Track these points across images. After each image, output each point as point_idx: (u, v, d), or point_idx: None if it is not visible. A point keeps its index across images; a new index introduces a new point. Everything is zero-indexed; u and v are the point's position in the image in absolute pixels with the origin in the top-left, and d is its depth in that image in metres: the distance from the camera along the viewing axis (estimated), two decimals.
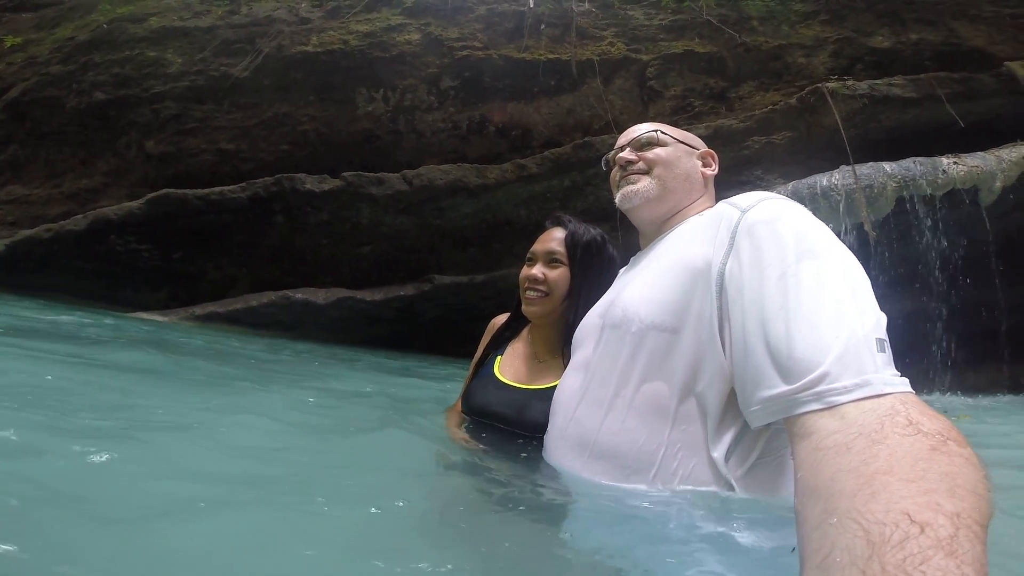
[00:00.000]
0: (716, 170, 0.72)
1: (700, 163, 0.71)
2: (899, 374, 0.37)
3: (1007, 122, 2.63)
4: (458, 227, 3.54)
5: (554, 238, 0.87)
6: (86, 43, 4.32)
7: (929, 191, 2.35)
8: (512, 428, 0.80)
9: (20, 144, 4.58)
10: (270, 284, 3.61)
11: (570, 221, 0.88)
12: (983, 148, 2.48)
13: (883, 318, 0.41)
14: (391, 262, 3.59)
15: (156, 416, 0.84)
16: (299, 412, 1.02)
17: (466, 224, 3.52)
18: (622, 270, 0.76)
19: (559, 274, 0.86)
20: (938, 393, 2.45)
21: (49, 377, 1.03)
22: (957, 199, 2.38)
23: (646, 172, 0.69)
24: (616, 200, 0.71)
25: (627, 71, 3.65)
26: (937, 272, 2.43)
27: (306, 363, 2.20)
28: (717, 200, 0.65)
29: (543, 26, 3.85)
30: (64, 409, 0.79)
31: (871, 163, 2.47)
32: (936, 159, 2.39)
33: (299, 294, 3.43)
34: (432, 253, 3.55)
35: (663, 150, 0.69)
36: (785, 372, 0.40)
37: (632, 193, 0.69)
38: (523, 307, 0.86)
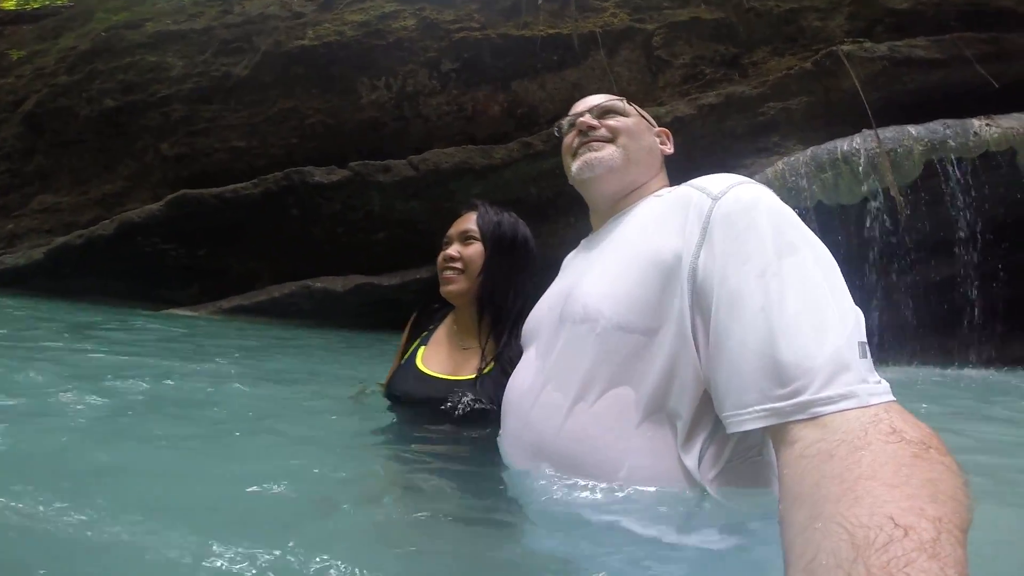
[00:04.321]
0: (671, 150, 0.63)
1: (657, 140, 0.62)
2: (880, 380, 0.34)
3: None
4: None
5: (467, 218, 0.83)
6: (88, 52, 4.02)
7: (959, 154, 2.01)
8: (431, 416, 0.75)
9: (43, 154, 4.36)
10: (291, 275, 3.43)
11: (483, 204, 0.84)
12: (1020, 110, 2.11)
13: (861, 317, 0.37)
14: (406, 246, 3.38)
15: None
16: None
17: None
18: (572, 254, 0.66)
19: (473, 250, 0.80)
20: (970, 367, 2.17)
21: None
22: (992, 162, 2.06)
23: (610, 140, 0.58)
24: (573, 169, 0.59)
25: (632, 42, 3.24)
26: (974, 237, 2.13)
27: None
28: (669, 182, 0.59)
29: (540, 1, 3.43)
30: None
31: (895, 126, 2.13)
32: (967, 121, 2.05)
33: (318, 283, 3.26)
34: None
35: (627, 120, 0.59)
36: (768, 379, 0.35)
37: (595, 161, 0.57)
38: (441, 288, 0.80)
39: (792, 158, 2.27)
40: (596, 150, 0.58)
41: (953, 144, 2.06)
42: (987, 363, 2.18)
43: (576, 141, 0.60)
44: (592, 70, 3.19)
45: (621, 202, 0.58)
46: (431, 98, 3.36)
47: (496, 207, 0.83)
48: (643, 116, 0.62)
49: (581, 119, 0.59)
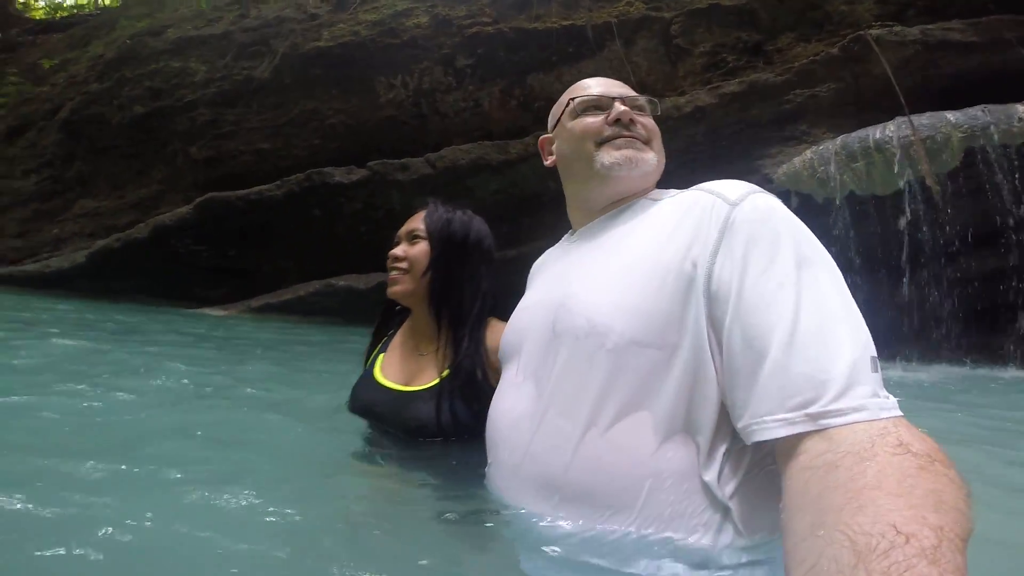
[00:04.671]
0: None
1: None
2: (889, 395, 0.34)
3: None
4: (487, 204, 3.30)
5: (417, 217, 0.79)
6: (116, 59, 4.14)
7: (1003, 140, 1.90)
8: (392, 429, 0.73)
9: (82, 160, 4.56)
10: (318, 274, 3.54)
11: (435, 202, 0.80)
12: None
13: (868, 333, 0.37)
14: None
15: None
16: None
17: (495, 200, 3.27)
18: (545, 258, 0.62)
19: (419, 249, 0.77)
20: (1006, 366, 2.06)
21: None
22: None
23: (647, 142, 0.54)
24: (605, 159, 0.52)
25: (649, 31, 3.15)
26: (1021, 227, 2.01)
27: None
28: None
29: None
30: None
31: (931, 112, 2.02)
32: (1010, 106, 1.92)
33: (342, 281, 3.35)
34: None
35: (652, 122, 0.55)
36: (783, 390, 0.35)
37: (639, 161, 0.52)
38: (388, 290, 0.77)
39: (821, 147, 2.19)
40: (641, 150, 0.52)
41: (995, 130, 1.94)
42: None
43: (612, 130, 0.53)
44: (609, 61, 3.13)
45: (614, 204, 0.54)
46: (447, 95, 3.36)
47: (451, 206, 0.78)
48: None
49: (624, 108, 0.53)
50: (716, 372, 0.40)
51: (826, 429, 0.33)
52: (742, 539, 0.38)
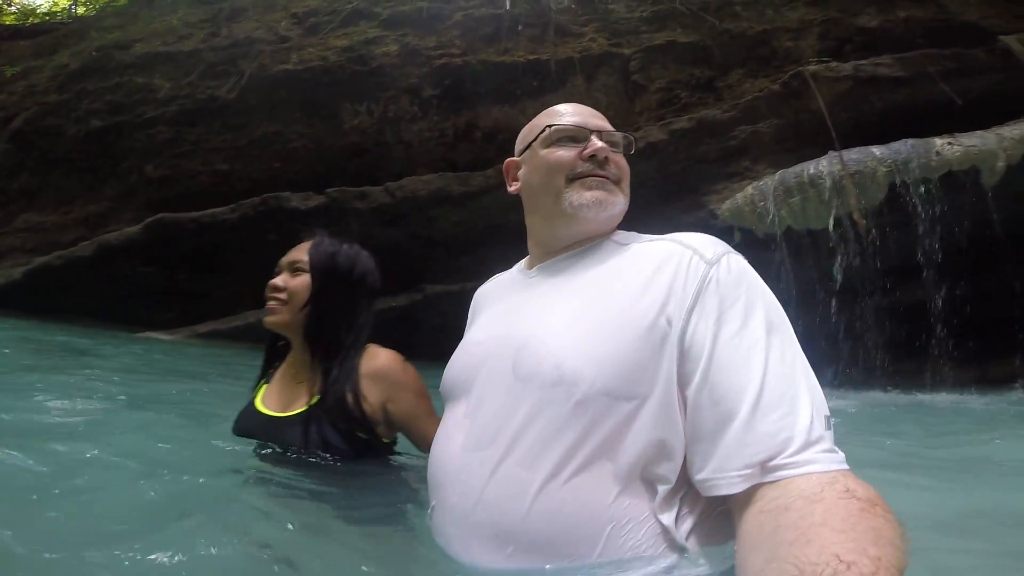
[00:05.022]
0: None
1: None
2: (837, 450, 0.40)
3: (1012, 99, 2.38)
4: (448, 236, 3.45)
5: (301, 248, 0.83)
6: (78, 71, 4.29)
7: (922, 174, 2.14)
8: (269, 451, 0.78)
9: (30, 172, 4.61)
10: None
11: (322, 234, 0.83)
12: (989, 127, 2.23)
13: (822, 392, 0.43)
14: (384, 274, 3.53)
15: None
16: None
17: (456, 232, 3.42)
18: (494, 289, 0.62)
19: (299, 282, 0.80)
20: (934, 391, 2.23)
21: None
22: (956, 182, 2.15)
23: (617, 183, 0.55)
24: (574, 199, 0.52)
25: (610, 66, 3.46)
26: (939, 259, 2.23)
27: None
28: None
29: (521, 27, 3.67)
30: None
31: (860, 147, 2.27)
32: (929, 140, 2.18)
33: None
34: (425, 263, 3.48)
35: (623, 161, 0.56)
36: (748, 447, 0.40)
37: (609, 204, 0.53)
38: (264, 319, 0.81)
39: (762, 182, 2.41)
40: (611, 192, 0.53)
41: (915, 164, 2.18)
42: (958, 386, 2.23)
43: (585, 167, 0.53)
44: (571, 95, 3.39)
45: (578, 243, 0.55)
46: (412, 124, 3.57)
47: (338, 239, 0.81)
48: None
49: (601, 145, 0.53)
50: (682, 429, 0.43)
51: (781, 480, 0.38)
52: (697, 572, 0.41)
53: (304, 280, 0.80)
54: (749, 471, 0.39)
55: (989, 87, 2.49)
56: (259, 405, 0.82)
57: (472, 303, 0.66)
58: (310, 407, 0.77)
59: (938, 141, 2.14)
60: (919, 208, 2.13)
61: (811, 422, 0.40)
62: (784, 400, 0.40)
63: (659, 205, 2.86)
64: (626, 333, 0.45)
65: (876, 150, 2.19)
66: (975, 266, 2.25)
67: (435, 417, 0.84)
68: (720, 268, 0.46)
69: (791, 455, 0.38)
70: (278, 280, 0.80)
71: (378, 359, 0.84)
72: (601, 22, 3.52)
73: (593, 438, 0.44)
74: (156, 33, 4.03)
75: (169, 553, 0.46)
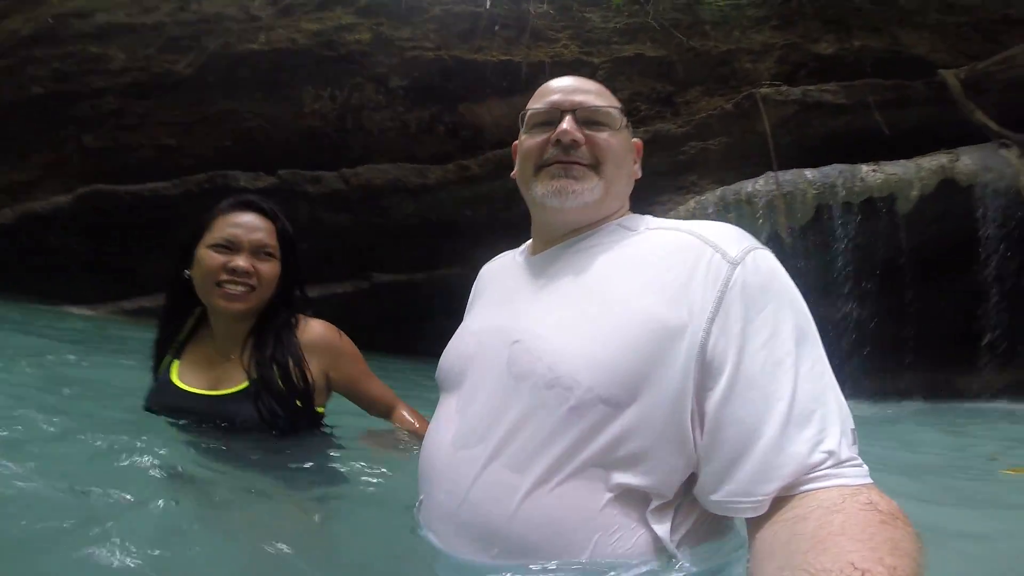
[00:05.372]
0: (640, 174, 0.63)
1: (635, 163, 0.63)
2: (862, 463, 0.44)
3: (944, 130, 2.78)
4: (400, 226, 3.68)
5: (259, 227, 0.87)
6: (29, 37, 4.56)
7: (846, 198, 2.49)
8: (212, 430, 0.85)
9: None
10: None
11: (270, 207, 0.89)
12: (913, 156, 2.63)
13: (847, 405, 0.46)
14: (329, 260, 3.71)
15: None
16: None
17: (409, 224, 3.65)
18: (497, 271, 0.67)
19: (271, 268, 0.85)
20: (862, 402, 2.67)
21: None
22: (874, 208, 2.55)
23: (594, 167, 0.56)
24: (538, 191, 0.56)
25: (578, 73, 3.77)
26: (856, 280, 2.56)
27: None
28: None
29: (498, 27, 4.05)
30: None
31: (796, 169, 2.62)
32: (857, 166, 2.60)
33: None
34: (373, 252, 3.67)
35: (616, 137, 0.57)
36: (778, 471, 0.42)
37: (572, 193, 0.55)
38: (218, 301, 0.84)
39: (704, 197, 2.73)
40: (577, 178, 0.54)
41: (841, 188, 2.59)
42: (875, 397, 2.66)
43: (551, 153, 0.55)
44: None
45: (579, 230, 0.57)
46: (375, 113, 3.90)
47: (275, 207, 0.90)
48: (629, 128, 0.59)
49: (565, 128, 0.54)
50: (695, 441, 0.45)
51: (801, 493, 0.41)
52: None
53: (275, 267, 0.86)
54: (773, 494, 0.42)
55: (923, 119, 2.90)
56: (178, 382, 0.87)
57: (475, 283, 0.71)
58: (254, 382, 0.85)
59: (864, 168, 2.56)
60: (839, 230, 2.46)
61: (839, 440, 0.42)
62: (814, 419, 0.42)
63: None
64: (629, 337, 0.46)
65: (809, 173, 2.60)
66: (884, 287, 2.59)
67: (374, 375, 0.97)
68: (746, 269, 0.47)
69: (818, 474, 0.41)
70: (246, 264, 0.84)
71: (314, 330, 0.92)
72: (576, 30, 3.95)
73: (587, 447, 0.46)
74: (121, 4, 4.35)
75: (114, 542, 0.50)
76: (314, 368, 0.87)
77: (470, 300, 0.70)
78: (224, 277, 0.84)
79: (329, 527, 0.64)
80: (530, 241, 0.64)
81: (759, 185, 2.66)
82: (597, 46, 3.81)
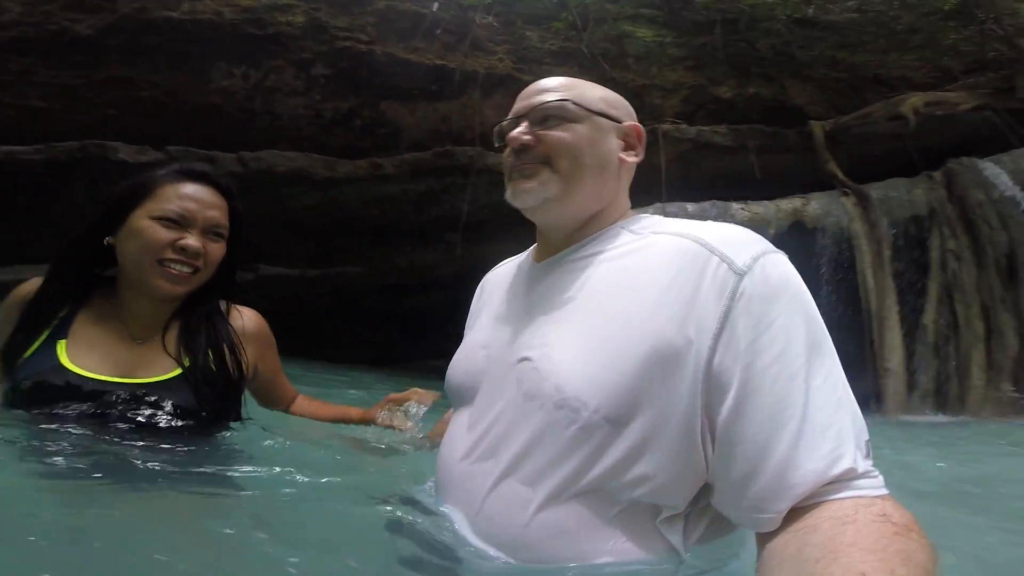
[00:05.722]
0: (641, 156, 0.69)
1: (621, 143, 0.68)
2: (878, 474, 0.50)
3: (805, 176, 3.31)
4: (298, 219, 3.76)
5: (215, 204, 0.88)
6: None
7: None
8: (119, 423, 0.82)
9: None
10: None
11: (225, 183, 0.90)
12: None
13: (861, 416, 0.51)
14: None
15: None
16: None
17: (308, 216, 3.74)
18: (502, 277, 0.74)
19: (219, 250, 0.86)
20: None
21: None
22: None
23: (546, 163, 0.63)
24: (508, 197, 0.66)
25: (507, 88, 4.27)
26: None
27: None
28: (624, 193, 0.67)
29: (439, 31, 4.38)
30: None
31: (679, 202, 3.01)
32: (729, 203, 3.05)
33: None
34: (264, 242, 3.69)
35: (572, 130, 0.64)
36: (791, 490, 0.47)
37: (525, 192, 0.64)
38: (157, 280, 0.83)
39: None
40: (528, 176, 0.62)
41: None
42: None
43: (510, 160, 0.64)
44: (464, 107, 4.09)
45: (577, 232, 0.64)
46: (290, 98, 4.10)
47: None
48: (603, 112, 0.64)
49: (512, 135, 0.64)
50: (706, 458, 0.51)
51: (813, 503, 0.46)
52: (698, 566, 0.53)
53: (222, 249, 0.87)
54: (787, 509, 0.46)
55: (791, 164, 3.45)
56: (78, 369, 0.82)
57: (479, 290, 0.79)
58: (188, 369, 0.85)
59: (735, 205, 3.04)
60: None
61: (855, 454, 0.47)
62: (829, 434, 0.47)
63: (513, 225, 3.37)
64: (636, 356, 0.52)
65: (690, 206, 3.06)
66: None
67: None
68: (754, 278, 0.51)
69: (832, 486, 0.46)
70: (197, 243, 0.83)
71: (249, 318, 0.97)
72: (514, 45, 4.39)
73: (597, 466, 0.52)
74: None
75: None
76: (249, 357, 0.91)
77: (474, 308, 0.79)
78: (170, 256, 0.83)
79: (298, 518, 0.65)
80: (535, 246, 0.72)
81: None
82: (530, 64, 4.28)
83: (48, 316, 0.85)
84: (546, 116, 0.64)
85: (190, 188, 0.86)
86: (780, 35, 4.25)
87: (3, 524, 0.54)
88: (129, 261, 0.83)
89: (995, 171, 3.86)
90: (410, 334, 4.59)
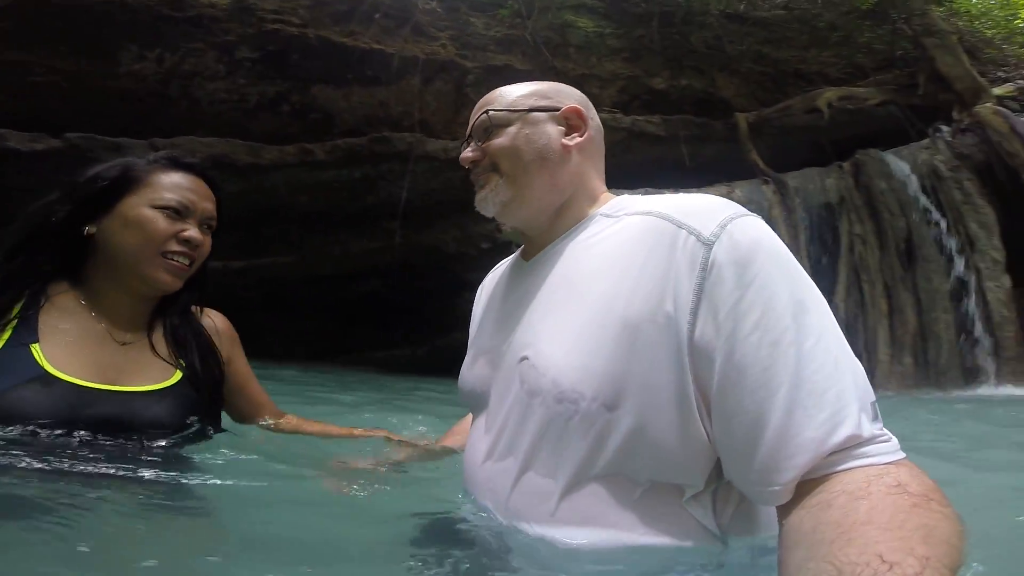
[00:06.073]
0: (588, 133, 0.70)
1: (563, 128, 0.69)
2: (890, 437, 0.47)
3: (730, 165, 3.45)
4: (222, 206, 3.47)
5: (210, 196, 0.86)
6: None
7: None
8: (119, 438, 0.77)
9: None
10: None
11: (212, 176, 0.88)
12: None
13: (864, 375, 0.50)
14: None
15: None
16: None
17: (232, 206, 3.46)
18: (497, 280, 0.76)
19: (209, 245, 0.85)
20: None
21: None
22: None
23: (494, 170, 0.67)
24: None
25: (449, 75, 4.17)
26: None
27: None
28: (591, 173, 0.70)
29: (378, 16, 4.25)
30: None
31: (615, 190, 3.07)
32: (660, 192, 3.10)
33: None
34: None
35: (506, 134, 0.67)
36: (792, 459, 0.45)
37: (483, 200, 0.67)
38: (158, 273, 0.80)
39: None
40: (482, 186, 0.66)
41: None
42: None
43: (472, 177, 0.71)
44: (403, 93, 3.98)
45: (555, 226, 0.65)
46: (210, 82, 3.85)
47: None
48: (529, 108, 0.66)
49: (463, 156, 0.68)
50: (708, 431, 0.50)
51: (824, 475, 0.44)
52: (736, 560, 0.50)
53: (210, 240, 0.85)
54: (791, 480, 0.45)
55: (718, 154, 3.59)
56: (60, 374, 0.73)
57: (478, 292, 0.83)
58: (187, 374, 0.82)
59: (665, 194, 3.15)
60: None
61: (858, 417, 0.44)
62: (827, 398, 0.45)
63: (452, 213, 3.31)
64: (621, 341, 0.52)
65: (626, 194, 3.08)
66: None
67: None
68: (723, 246, 0.50)
69: (836, 455, 0.44)
70: (196, 235, 0.81)
71: (216, 316, 0.93)
72: (458, 31, 4.32)
73: (604, 453, 0.53)
74: None
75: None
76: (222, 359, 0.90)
77: (474, 312, 0.81)
78: (175, 247, 0.79)
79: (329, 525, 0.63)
80: (523, 247, 0.75)
81: None
82: (474, 51, 4.24)
83: (1, 314, 0.76)
84: (485, 129, 0.67)
85: (184, 178, 0.83)
86: (712, 29, 4.49)
87: None
88: (124, 252, 0.77)
89: (896, 162, 4.16)
90: (344, 325, 4.34)
